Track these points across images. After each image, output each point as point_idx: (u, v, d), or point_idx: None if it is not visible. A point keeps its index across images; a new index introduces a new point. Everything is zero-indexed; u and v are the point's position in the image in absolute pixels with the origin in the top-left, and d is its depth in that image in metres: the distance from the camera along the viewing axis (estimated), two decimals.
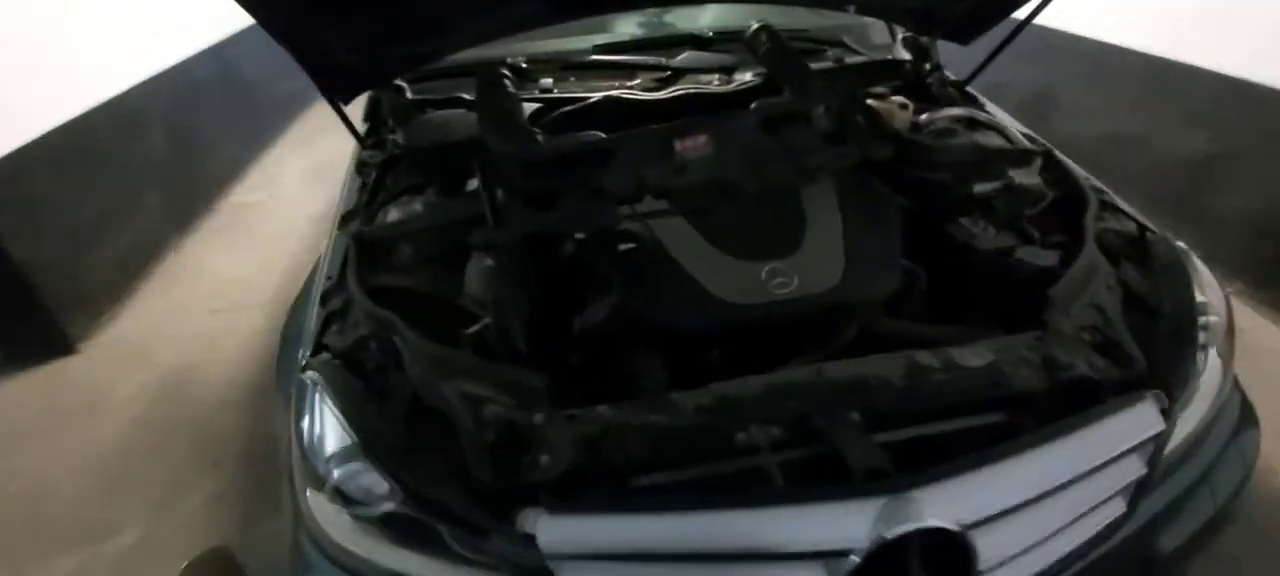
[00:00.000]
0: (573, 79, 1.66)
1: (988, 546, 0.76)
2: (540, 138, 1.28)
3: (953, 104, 1.56)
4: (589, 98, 1.48)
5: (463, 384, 0.87)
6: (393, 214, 1.27)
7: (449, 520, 0.80)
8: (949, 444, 0.87)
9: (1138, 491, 0.89)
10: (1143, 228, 1.16)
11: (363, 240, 1.15)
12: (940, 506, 0.74)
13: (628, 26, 1.90)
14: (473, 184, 1.30)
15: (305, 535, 0.91)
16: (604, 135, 1.27)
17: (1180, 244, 1.12)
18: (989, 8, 1.47)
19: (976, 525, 0.76)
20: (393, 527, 0.85)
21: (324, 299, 1.07)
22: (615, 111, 1.44)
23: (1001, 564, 0.78)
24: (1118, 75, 2.61)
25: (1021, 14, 1.43)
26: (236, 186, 3.37)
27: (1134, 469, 0.87)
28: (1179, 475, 0.97)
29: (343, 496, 0.86)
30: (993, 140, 1.41)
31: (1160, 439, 0.87)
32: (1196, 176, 2.29)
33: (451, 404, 0.86)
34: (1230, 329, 1.05)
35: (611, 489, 0.81)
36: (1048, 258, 1.13)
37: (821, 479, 0.81)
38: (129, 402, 1.89)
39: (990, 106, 1.58)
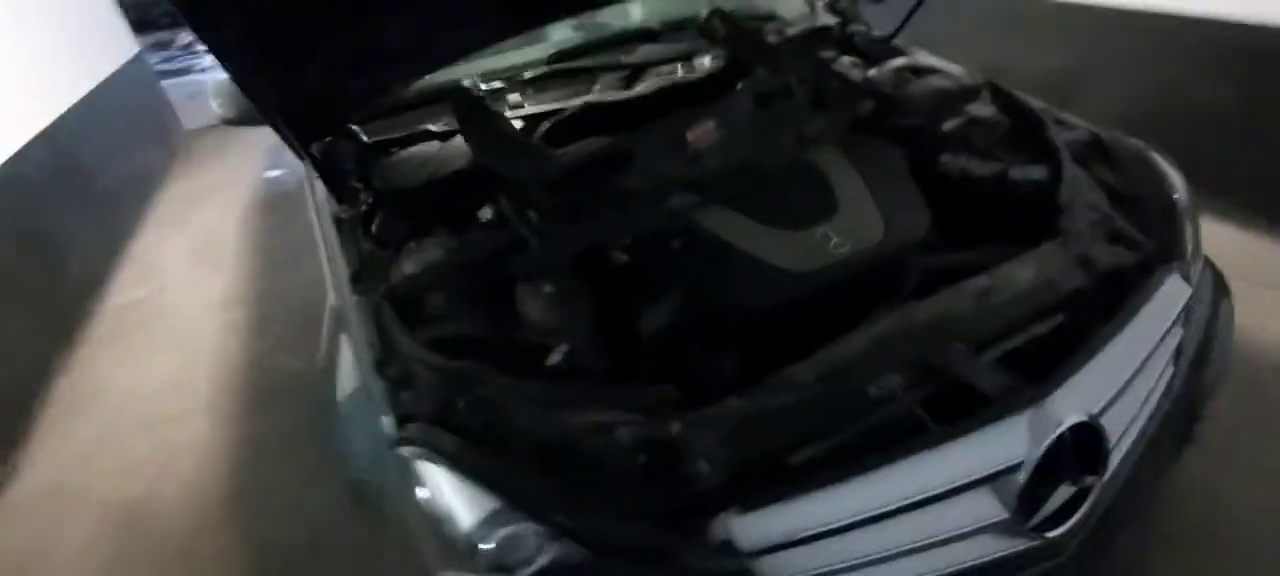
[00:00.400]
0: (535, 93, 1.61)
1: (1111, 426, 0.85)
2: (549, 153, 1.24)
3: (888, 57, 1.68)
4: (566, 108, 1.45)
5: (589, 414, 0.83)
6: (409, 264, 1.17)
7: (631, 553, 0.76)
8: (1027, 354, 0.95)
9: (1179, 354, 1.02)
10: (1095, 133, 1.32)
11: (396, 298, 1.05)
12: (1073, 403, 0.82)
13: (562, 34, 1.86)
14: (484, 213, 1.23)
15: None
16: (612, 140, 1.25)
17: (1135, 139, 1.30)
18: None
19: (1102, 411, 0.84)
20: None
21: (380, 369, 0.96)
22: (599, 116, 1.42)
23: (1121, 437, 0.88)
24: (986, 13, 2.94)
25: None
26: (112, 286, 2.91)
27: (1176, 335, 1.01)
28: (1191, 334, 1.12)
29: (499, 565, 0.78)
30: (943, 82, 1.54)
31: (1190, 304, 1.01)
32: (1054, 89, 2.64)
33: (583, 437, 0.82)
34: (1193, 203, 1.23)
35: (778, 475, 0.81)
36: (1038, 172, 1.26)
37: (954, 412, 0.86)
38: (84, 553, 1.58)
39: (921, 54, 1.73)
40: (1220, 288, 1.21)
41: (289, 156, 1.30)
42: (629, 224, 1.14)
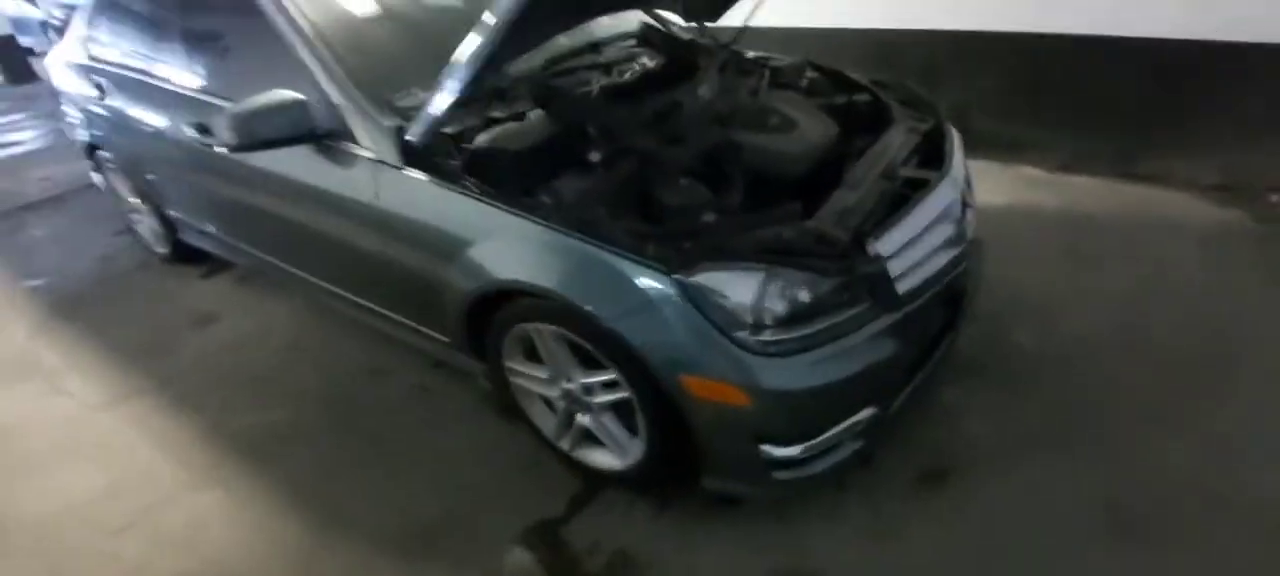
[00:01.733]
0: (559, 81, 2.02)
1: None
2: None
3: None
4: (592, 88, 1.95)
5: (778, 227, 1.41)
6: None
7: (835, 277, 1.36)
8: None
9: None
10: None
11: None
12: (951, 183, 1.69)
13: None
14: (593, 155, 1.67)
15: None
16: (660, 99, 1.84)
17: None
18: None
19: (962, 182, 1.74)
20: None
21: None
22: (616, 89, 1.96)
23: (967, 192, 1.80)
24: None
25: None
26: None
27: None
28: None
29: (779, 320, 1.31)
30: (793, 60, 2.41)
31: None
32: None
33: (788, 235, 1.39)
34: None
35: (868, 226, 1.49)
36: (867, 98, 2.19)
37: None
38: None
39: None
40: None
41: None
42: (699, 142, 1.72)
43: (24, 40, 9.00)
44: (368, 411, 2.15)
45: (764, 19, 2.24)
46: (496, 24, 1.34)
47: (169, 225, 2.95)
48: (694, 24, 2.48)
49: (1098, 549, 1.49)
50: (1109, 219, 2.81)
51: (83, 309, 2.96)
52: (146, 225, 3.17)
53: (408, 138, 1.61)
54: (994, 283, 2.22)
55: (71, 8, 8.83)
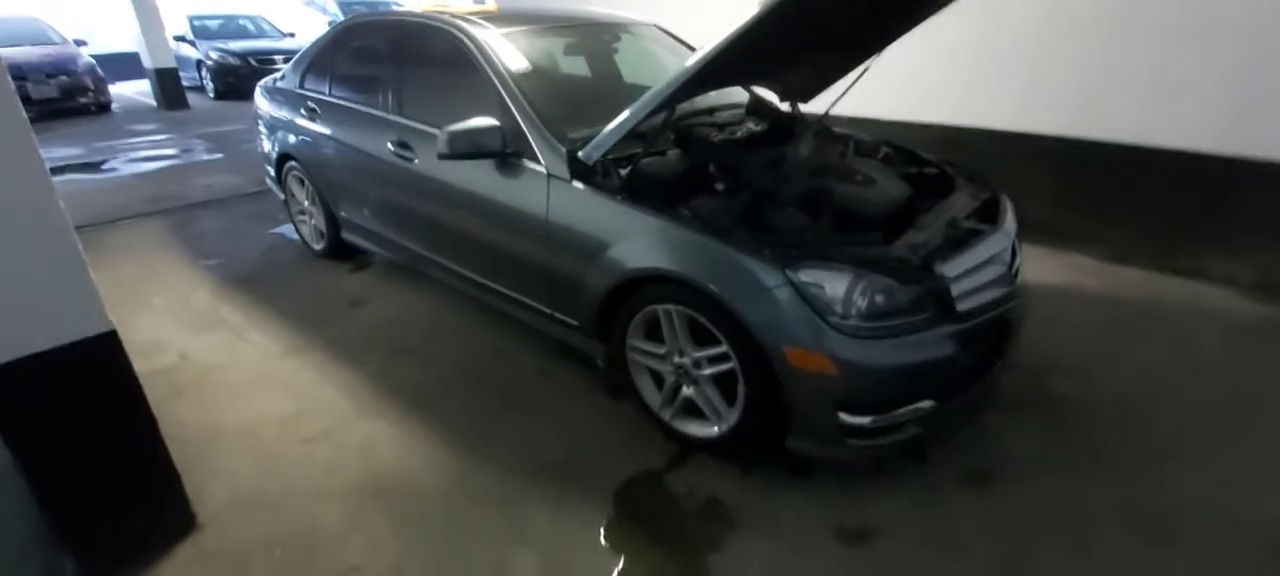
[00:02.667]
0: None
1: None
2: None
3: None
4: (714, 139, 2.47)
5: (863, 247, 1.85)
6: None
7: (911, 286, 1.77)
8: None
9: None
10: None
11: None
12: (1005, 230, 2.11)
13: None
14: (718, 187, 2.17)
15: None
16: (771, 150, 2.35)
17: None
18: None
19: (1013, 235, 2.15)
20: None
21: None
22: (732, 142, 2.48)
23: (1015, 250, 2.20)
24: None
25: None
26: None
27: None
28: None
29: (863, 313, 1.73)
30: (866, 136, 2.92)
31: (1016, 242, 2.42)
32: None
33: (872, 253, 1.82)
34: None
35: (935, 257, 1.90)
36: (935, 170, 2.65)
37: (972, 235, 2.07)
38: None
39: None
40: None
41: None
42: (800, 186, 2.19)
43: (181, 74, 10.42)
44: (498, 380, 2.62)
45: (843, 108, 2.76)
46: (679, 76, 1.86)
47: (334, 225, 3.58)
48: (788, 105, 3.03)
49: (1118, 543, 1.79)
50: (1148, 303, 3.12)
51: (253, 285, 3.57)
52: (310, 225, 3.82)
53: (579, 155, 2.13)
54: (1037, 343, 2.58)
55: (226, 51, 10.19)
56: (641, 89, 2.19)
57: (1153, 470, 2.04)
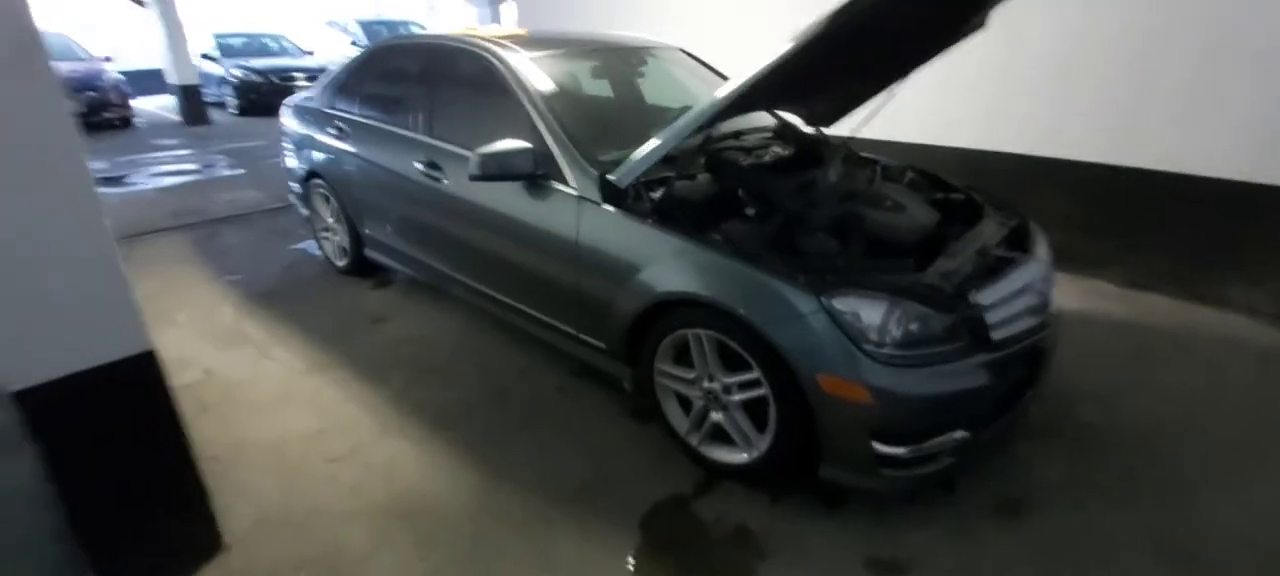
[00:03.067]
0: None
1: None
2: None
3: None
4: (743, 164, 2.48)
5: (895, 275, 1.84)
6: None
7: (946, 315, 1.76)
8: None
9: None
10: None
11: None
12: (1039, 258, 2.10)
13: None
14: (748, 210, 2.17)
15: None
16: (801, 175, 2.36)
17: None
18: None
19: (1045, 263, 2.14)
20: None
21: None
22: (761, 166, 2.48)
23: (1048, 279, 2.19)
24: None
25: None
26: None
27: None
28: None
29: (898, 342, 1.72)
30: (892, 161, 2.93)
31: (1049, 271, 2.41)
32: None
33: (905, 279, 1.82)
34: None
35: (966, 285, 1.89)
36: (961, 195, 2.65)
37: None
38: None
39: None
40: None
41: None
42: (830, 210, 2.19)
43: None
44: (521, 400, 2.61)
45: (869, 132, 2.77)
46: (715, 103, 1.88)
47: (357, 242, 3.60)
48: (813, 129, 3.05)
49: (1148, 573, 1.76)
50: (1172, 330, 3.09)
51: (275, 301, 3.60)
52: (334, 242, 3.85)
53: (611, 178, 2.14)
54: (1064, 368, 2.55)
55: (249, 68, 10.40)
56: (666, 111, 2.22)
57: (1182, 500, 2.01)
